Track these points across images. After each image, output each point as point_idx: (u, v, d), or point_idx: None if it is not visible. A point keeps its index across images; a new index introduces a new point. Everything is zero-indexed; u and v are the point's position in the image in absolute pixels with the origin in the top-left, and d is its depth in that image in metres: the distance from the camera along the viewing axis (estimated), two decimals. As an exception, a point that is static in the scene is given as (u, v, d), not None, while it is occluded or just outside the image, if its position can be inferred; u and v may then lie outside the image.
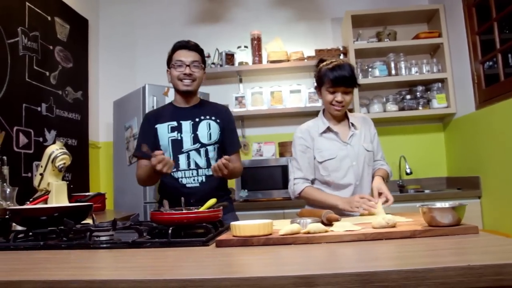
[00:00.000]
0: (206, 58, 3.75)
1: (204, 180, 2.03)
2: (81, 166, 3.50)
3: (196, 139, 2.04)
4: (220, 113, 2.15)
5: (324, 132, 1.99)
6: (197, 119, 2.08)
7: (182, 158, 2.03)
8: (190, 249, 1.15)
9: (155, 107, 3.16)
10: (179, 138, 2.04)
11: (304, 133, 2.02)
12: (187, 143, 2.04)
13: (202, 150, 2.04)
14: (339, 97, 1.89)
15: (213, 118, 2.10)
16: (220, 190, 2.08)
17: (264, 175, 3.32)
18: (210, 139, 2.06)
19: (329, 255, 1.02)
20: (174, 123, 2.06)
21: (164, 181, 2.09)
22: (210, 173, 1.99)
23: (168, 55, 2.12)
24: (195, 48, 2.09)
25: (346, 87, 1.88)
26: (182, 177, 2.03)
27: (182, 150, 2.03)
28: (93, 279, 0.83)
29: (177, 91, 2.11)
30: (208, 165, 2.03)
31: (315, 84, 2.01)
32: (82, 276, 0.87)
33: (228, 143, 2.13)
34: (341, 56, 3.66)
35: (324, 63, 1.95)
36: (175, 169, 2.00)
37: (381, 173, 1.99)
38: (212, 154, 2.06)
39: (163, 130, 2.06)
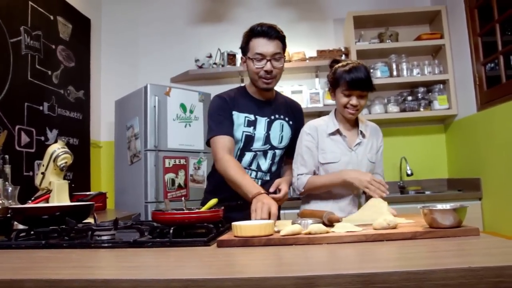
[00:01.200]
0: (208, 58, 3.81)
1: (259, 184, 1.78)
2: (83, 166, 3.51)
3: (267, 140, 1.87)
4: (294, 112, 1.99)
5: (333, 133, 1.92)
6: (272, 117, 1.90)
7: (248, 156, 1.87)
8: (191, 249, 1.15)
9: (156, 107, 3.16)
10: (253, 134, 1.85)
11: (312, 130, 1.93)
12: (258, 142, 1.87)
13: (270, 153, 1.89)
14: (354, 100, 1.82)
15: (286, 118, 1.94)
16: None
17: (265, 175, 3.31)
18: (281, 142, 1.92)
19: (330, 256, 1.02)
20: (252, 117, 1.86)
21: (218, 175, 1.84)
22: (268, 178, 1.88)
23: (245, 39, 1.83)
24: (276, 35, 1.79)
25: (362, 90, 1.82)
26: None
27: (251, 148, 1.86)
28: (95, 278, 0.84)
29: (255, 86, 1.89)
30: (269, 170, 1.90)
31: (329, 85, 1.93)
32: (84, 276, 0.87)
33: (294, 146, 1.94)
34: (343, 57, 3.67)
35: (340, 64, 1.87)
36: None
37: None
38: (277, 159, 1.92)
39: (240, 121, 1.85)
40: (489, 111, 2.90)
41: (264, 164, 1.89)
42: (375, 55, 3.69)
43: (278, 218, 1.96)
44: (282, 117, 1.94)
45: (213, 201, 1.50)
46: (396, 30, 3.68)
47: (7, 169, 1.91)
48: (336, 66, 1.89)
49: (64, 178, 1.90)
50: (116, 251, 1.19)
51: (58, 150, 1.84)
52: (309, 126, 1.95)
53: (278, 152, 1.91)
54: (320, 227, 1.21)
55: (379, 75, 3.56)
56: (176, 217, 1.32)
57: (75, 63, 3.47)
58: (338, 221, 1.34)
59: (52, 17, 3.17)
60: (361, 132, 1.94)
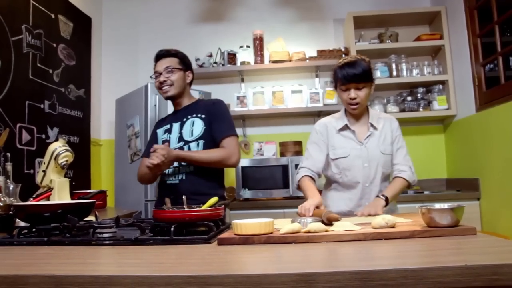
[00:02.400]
0: (208, 57, 3.81)
1: (184, 177, 2.05)
2: (83, 164, 3.52)
3: (180, 138, 2.08)
4: (207, 108, 2.12)
5: (342, 129, 1.99)
6: (184, 119, 2.11)
7: None
8: (192, 247, 1.17)
9: (157, 106, 3.18)
10: (168, 138, 2.12)
11: (322, 127, 2.03)
12: (173, 143, 2.08)
13: (186, 147, 2.04)
14: (352, 93, 1.88)
15: (199, 115, 2.09)
16: (205, 189, 2.02)
17: (265, 174, 3.33)
18: (192, 135, 2.06)
19: (329, 254, 1.04)
20: (168, 126, 2.16)
21: (160, 185, 2.19)
22: (192, 169, 2.03)
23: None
24: (166, 54, 2.14)
25: (357, 83, 1.87)
26: (165, 174, 2.10)
27: None
28: (98, 274, 0.85)
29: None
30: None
31: (333, 85, 2.02)
32: (87, 272, 0.88)
33: (214, 131, 2.05)
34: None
35: (338, 62, 1.96)
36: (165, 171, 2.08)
37: (390, 190, 1.89)
38: (195, 147, 2.06)
39: (160, 133, 2.18)
40: (488, 111, 2.91)
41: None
42: (375, 55, 3.70)
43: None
44: (194, 115, 2.11)
45: (214, 199, 1.52)
46: (396, 30, 3.69)
47: (9, 166, 1.92)
48: (335, 64, 1.96)
49: (65, 176, 1.91)
50: (118, 248, 1.20)
51: (59, 148, 1.85)
52: (319, 123, 2.06)
53: (192, 144, 2.05)
54: (320, 225, 1.23)
55: (378, 75, 3.57)
56: (177, 215, 1.34)
57: (76, 61, 3.48)
58: (337, 220, 1.35)
59: (53, 16, 3.18)
60: (372, 124, 1.97)
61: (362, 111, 1.99)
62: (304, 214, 1.53)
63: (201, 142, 2.05)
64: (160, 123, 2.26)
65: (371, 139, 1.96)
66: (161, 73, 2.09)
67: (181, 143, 2.06)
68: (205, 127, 2.06)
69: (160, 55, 2.14)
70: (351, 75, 1.86)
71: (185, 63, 2.18)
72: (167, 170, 2.05)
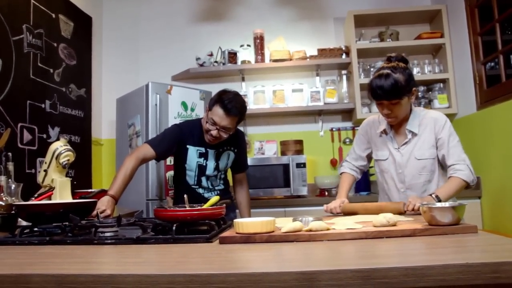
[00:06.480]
0: (209, 56, 3.81)
1: (218, 193, 2.31)
2: (84, 163, 3.52)
3: (217, 167, 2.28)
4: (238, 141, 2.35)
5: (382, 133, 1.97)
6: (220, 149, 2.26)
7: (204, 179, 2.28)
8: (194, 246, 1.17)
9: (158, 105, 3.17)
10: (204, 164, 2.25)
11: (368, 125, 2.06)
12: (210, 170, 2.27)
13: (219, 174, 2.34)
14: (385, 110, 1.79)
15: (232, 148, 2.31)
16: (225, 196, 2.31)
17: (266, 173, 3.34)
18: (227, 166, 2.35)
19: (331, 252, 1.04)
20: (202, 150, 2.23)
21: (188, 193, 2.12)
22: (222, 187, 2.36)
23: (214, 99, 2.12)
24: (234, 114, 2.07)
25: (388, 100, 1.74)
26: (204, 193, 2.30)
27: (205, 174, 2.27)
28: (100, 273, 0.85)
29: None
30: (219, 183, 2.36)
31: None
32: (90, 271, 0.88)
33: (238, 164, 2.41)
34: (343, 56, 3.67)
35: (380, 66, 1.84)
36: (197, 186, 2.27)
37: (444, 190, 1.73)
38: (223, 173, 2.38)
39: (193, 154, 2.23)
40: (489, 110, 2.91)
41: (217, 182, 2.35)
42: (376, 54, 3.70)
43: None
44: (228, 147, 2.30)
45: (215, 198, 1.52)
46: (396, 29, 3.69)
47: (10, 166, 1.92)
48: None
49: (66, 176, 1.91)
50: (120, 247, 1.21)
51: (60, 147, 1.85)
52: (367, 120, 2.08)
53: (222, 172, 2.36)
54: (321, 224, 1.23)
55: (379, 73, 3.56)
56: (179, 214, 1.34)
57: (77, 61, 3.48)
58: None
59: (53, 15, 3.18)
60: (409, 131, 1.89)
61: (404, 116, 1.88)
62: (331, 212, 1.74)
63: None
64: (189, 136, 2.22)
65: (407, 146, 1.89)
66: (217, 128, 2.08)
67: (216, 172, 2.29)
68: (235, 158, 2.36)
69: (228, 111, 2.05)
70: (380, 92, 1.73)
71: (241, 119, 2.20)
72: (205, 189, 2.29)
